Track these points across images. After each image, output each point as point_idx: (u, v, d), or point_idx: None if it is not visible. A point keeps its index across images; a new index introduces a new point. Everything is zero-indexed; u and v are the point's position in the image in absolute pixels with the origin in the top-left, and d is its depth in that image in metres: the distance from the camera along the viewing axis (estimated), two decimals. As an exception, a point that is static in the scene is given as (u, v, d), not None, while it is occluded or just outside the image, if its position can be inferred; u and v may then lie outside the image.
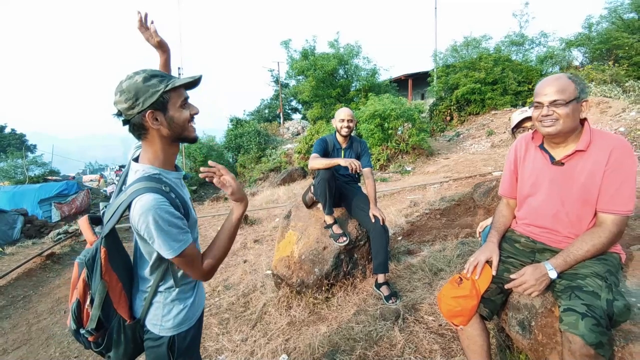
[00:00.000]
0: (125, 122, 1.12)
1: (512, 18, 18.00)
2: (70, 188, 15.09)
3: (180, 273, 1.24)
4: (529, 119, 2.36)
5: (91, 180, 29.49)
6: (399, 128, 10.89)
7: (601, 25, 15.49)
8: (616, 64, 13.01)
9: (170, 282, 1.23)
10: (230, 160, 21.63)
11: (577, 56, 16.55)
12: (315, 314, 2.75)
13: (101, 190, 19.91)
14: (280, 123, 27.82)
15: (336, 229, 2.95)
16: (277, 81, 31.02)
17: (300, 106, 31.54)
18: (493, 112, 14.23)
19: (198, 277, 1.20)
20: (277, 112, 30.90)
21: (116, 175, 31.30)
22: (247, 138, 19.78)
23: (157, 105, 1.08)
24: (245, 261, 4.43)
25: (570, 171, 1.52)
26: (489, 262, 1.61)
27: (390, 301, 2.66)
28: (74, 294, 1.16)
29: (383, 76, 19.41)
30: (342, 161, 2.72)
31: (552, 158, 1.56)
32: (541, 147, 1.59)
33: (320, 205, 3.20)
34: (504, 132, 11.13)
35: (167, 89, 1.09)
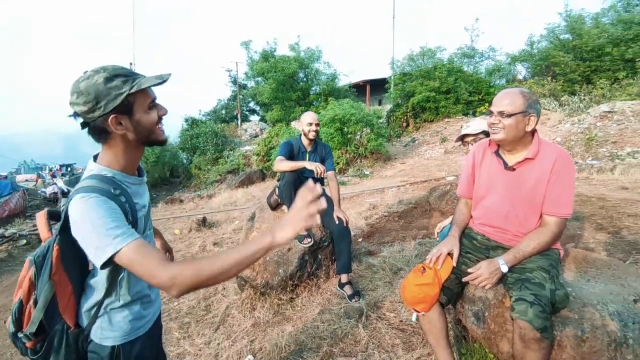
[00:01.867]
0: (84, 125, 1.02)
1: (464, 32, 19.12)
2: (3, 188, 13.81)
3: (131, 282, 1.12)
4: (468, 135, 2.53)
5: (27, 181, 27.02)
6: (358, 133, 11.16)
7: (541, 44, 16.89)
8: (554, 80, 14.21)
9: (122, 291, 1.10)
10: (185, 161, 20.93)
11: (521, 70, 17.94)
12: (280, 315, 2.78)
13: (39, 192, 18.32)
14: (237, 124, 27.38)
15: (301, 231, 3.00)
16: (235, 82, 30.51)
17: (258, 108, 31.24)
18: (446, 119, 14.97)
19: (159, 284, 0.90)
20: (235, 113, 30.39)
21: (53, 176, 28.95)
22: (203, 139, 19.26)
23: (121, 109, 0.99)
24: (205, 264, 4.35)
25: (520, 176, 1.69)
26: (450, 254, 1.74)
27: (354, 300, 2.75)
28: (17, 293, 1.07)
29: (342, 81, 19.80)
30: (308, 164, 2.78)
31: (505, 164, 1.72)
32: (496, 153, 1.76)
33: (284, 207, 3.24)
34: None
35: (132, 91, 0.98)
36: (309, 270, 3.02)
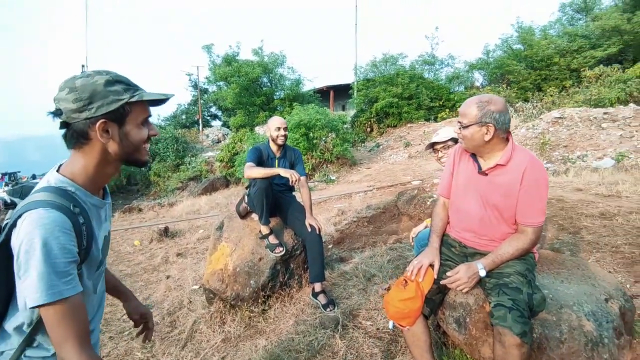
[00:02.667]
0: (63, 125, 0.92)
1: (425, 40, 19.81)
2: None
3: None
4: (437, 143, 2.55)
5: (-41, 191, 24.68)
6: (324, 138, 11.16)
7: (496, 53, 17.82)
8: (508, 87, 15.00)
9: (46, 346, 0.91)
10: (143, 168, 20.08)
11: (478, 78, 18.79)
12: (252, 328, 2.65)
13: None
14: (199, 130, 26.65)
15: (272, 239, 2.89)
16: (195, 86, 29.73)
17: (220, 113, 30.62)
18: (409, 125, 15.36)
19: (60, 356, 0.81)
20: (196, 119, 29.58)
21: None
22: (163, 145, 18.53)
23: (113, 116, 0.91)
24: (168, 277, 4.11)
25: (492, 182, 1.68)
26: (431, 265, 1.71)
27: (328, 309, 2.67)
28: None
29: (307, 86, 19.81)
30: (282, 171, 2.68)
31: (479, 167, 1.72)
32: (473, 156, 1.75)
33: (254, 215, 3.11)
34: (420, 144, 12.06)
35: (133, 100, 0.92)
36: (281, 280, 2.91)
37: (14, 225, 0.84)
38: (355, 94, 17.63)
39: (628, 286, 2.39)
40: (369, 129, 16.67)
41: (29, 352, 0.91)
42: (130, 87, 0.94)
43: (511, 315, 1.41)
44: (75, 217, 0.88)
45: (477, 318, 1.69)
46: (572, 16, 19.70)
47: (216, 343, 2.56)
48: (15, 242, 0.81)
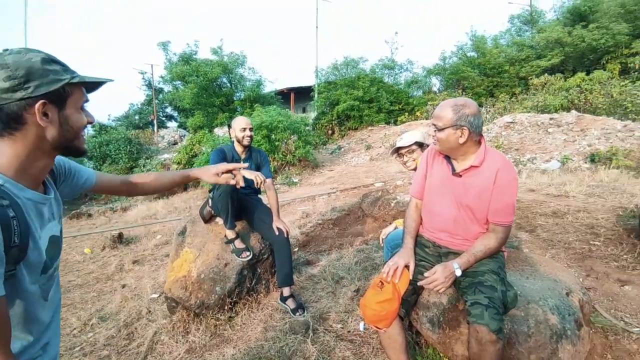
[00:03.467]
0: None
1: (385, 44, 20.27)
2: None
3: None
4: (402, 147, 2.57)
5: None
6: (285, 140, 11.07)
7: (452, 59, 18.55)
8: (464, 92, 15.70)
9: None
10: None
11: (435, 83, 19.49)
12: (219, 337, 2.53)
13: None
14: (154, 131, 25.58)
15: (238, 244, 2.79)
16: (150, 85, 28.51)
17: (176, 114, 29.58)
18: (370, 128, 15.62)
19: None
20: (150, 119, 28.40)
21: None
22: (115, 146, 17.55)
23: (53, 97, 0.82)
24: (124, 286, 3.86)
25: (466, 183, 1.72)
26: (406, 266, 1.71)
27: (298, 313, 2.61)
28: None
29: (268, 88, 19.59)
30: (247, 173, 2.59)
31: (453, 169, 1.74)
32: (446, 158, 1.77)
33: (218, 220, 2.99)
34: (380, 147, 12.28)
35: (74, 81, 0.84)
36: (248, 285, 2.81)
37: None
38: (316, 96, 17.68)
39: (581, 280, 2.54)
40: (330, 132, 16.78)
41: None
42: (67, 68, 0.87)
43: (488, 312, 1.44)
44: (3, 209, 0.77)
45: (451, 317, 1.71)
46: (520, 27, 21.01)
47: (180, 354, 2.42)
48: None
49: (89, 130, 20.48)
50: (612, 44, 14.11)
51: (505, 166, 1.67)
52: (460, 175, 1.73)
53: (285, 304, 2.71)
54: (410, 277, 1.69)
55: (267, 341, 2.36)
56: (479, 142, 1.72)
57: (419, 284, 1.68)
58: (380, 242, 2.54)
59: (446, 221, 1.78)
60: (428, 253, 1.82)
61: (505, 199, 1.66)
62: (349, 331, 2.39)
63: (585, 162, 7.31)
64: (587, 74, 12.59)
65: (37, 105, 0.80)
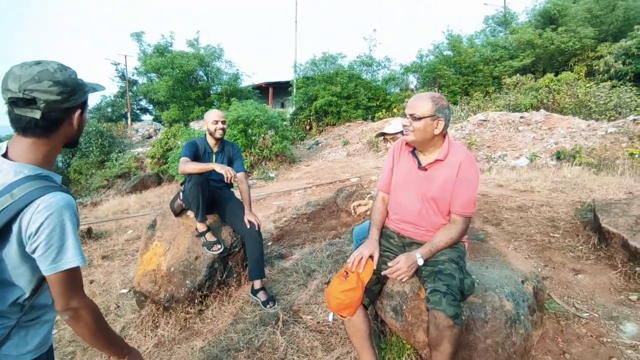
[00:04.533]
0: (20, 113, 0.98)
1: (363, 41, 20.35)
2: None
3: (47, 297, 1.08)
4: (387, 133, 2.68)
5: None
6: (263, 135, 11.00)
7: (429, 57, 18.82)
8: (440, 90, 15.99)
9: (44, 307, 1.09)
10: (61, 164, 18.13)
11: (413, 81, 19.75)
12: (188, 330, 2.53)
13: None
14: (127, 124, 24.88)
15: (209, 237, 2.78)
16: (123, 77, 27.66)
17: (151, 107, 28.85)
18: (347, 123, 15.71)
19: (71, 305, 1.02)
20: (124, 112, 27.58)
21: None
22: (85, 139, 16.93)
23: (83, 104, 1.08)
24: (92, 282, 3.77)
25: (431, 176, 1.78)
26: (371, 257, 1.75)
27: (268, 306, 2.63)
28: None
29: (245, 82, 19.39)
30: (217, 167, 2.59)
31: (419, 163, 1.80)
32: (412, 152, 1.83)
33: (190, 213, 2.97)
34: (358, 143, 12.39)
35: (90, 92, 1.09)
36: (219, 278, 2.81)
37: (22, 211, 0.93)
38: (295, 91, 17.63)
39: (539, 270, 2.67)
40: (308, 127, 16.79)
41: (23, 318, 1.04)
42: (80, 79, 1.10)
43: (445, 299, 1.50)
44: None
45: (413, 305, 1.77)
46: (494, 28, 21.56)
47: (148, 348, 2.40)
48: (28, 227, 0.93)
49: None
50: (579, 46, 14.68)
51: (468, 159, 1.75)
52: (426, 169, 1.79)
53: (256, 296, 2.73)
54: (375, 267, 1.74)
55: (237, 333, 2.37)
56: (444, 137, 1.78)
57: (382, 273, 1.74)
58: (353, 210, 2.64)
59: (411, 213, 1.84)
60: (392, 244, 1.87)
61: (467, 191, 1.73)
62: (318, 322, 2.43)
63: (552, 160, 7.61)
64: (556, 75, 13.06)
65: (77, 112, 1.06)
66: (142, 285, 2.64)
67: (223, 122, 2.93)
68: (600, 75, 13.03)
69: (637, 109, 10.12)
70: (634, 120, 7.97)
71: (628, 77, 12.66)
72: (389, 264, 1.72)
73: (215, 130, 2.90)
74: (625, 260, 2.54)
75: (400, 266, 1.68)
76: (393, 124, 2.64)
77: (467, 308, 1.71)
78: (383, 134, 2.71)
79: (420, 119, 1.69)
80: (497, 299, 1.74)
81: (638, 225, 2.61)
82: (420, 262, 1.69)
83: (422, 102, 1.71)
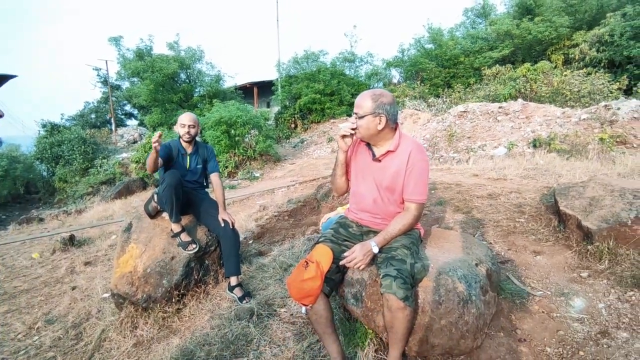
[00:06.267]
0: None
1: (344, 37, 20.39)
2: None
3: None
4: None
5: None
6: (246, 135, 11.03)
7: (411, 51, 18.99)
8: (422, 84, 16.17)
9: None
10: (45, 173, 17.88)
11: (395, 75, 19.90)
12: (167, 328, 2.60)
13: None
14: (112, 130, 24.62)
15: (184, 237, 2.85)
16: (105, 82, 27.30)
17: (136, 111, 28.56)
18: (332, 120, 15.82)
19: None
20: (108, 118, 27.28)
21: None
22: (68, 147, 16.75)
23: None
24: (74, 288, 3.81)
25: (384, 166, 1.89)
26: (329, 247, 1.84)
27: (244, 301, 2.72)
28: None
29: (228, 83, 19.33)
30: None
31: (373, 155, 1.90)
32: (368, 145, 1.93)
33: (165, 215, 3.03)
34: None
35: None
36: (196, 277, 2.89)
37: None
38: (279, 90, 17.66)
39: (502, 253, 2.79)
40: (293, 125, 16.84)
41: None
42: None
43: (396, 282, 1.61)
44: None
45: (372, 291, 1.87)
46: (473, 20, 21.81)
47: (127, 349, 2.47)
48: None
49: (39, 132, 19.43)
50: (555, 36, 14.96)
51: (417, 148, 1.85)
52: (380, 160, 1.90)
53: (232, 293, 2.81)
54: (333, 256, 1.84)
55: (213, 329, 2.45)
56: (395, 129, 1.88)
57: (340, 263, 1.83)
58: (319, 225, 2.69)
59: (367, 202, 1.94)
60: (351, 233, 1.97)
61: (418, 178, 1.83)
62: (291, 314, 2.52)
63: (529, 148, 7.80)
64: (535, 65, 13.31)
65: None
66: (119, 288, 2.70)
67: (190, 127, 2.98)
68: (577, 63, 13.33)
69: (610, 94, 10.42)
70: (606, 106, 8.19)
71: (602, 64, 13.00)
72: (346, 253, 1.82)
73: (183, 134, 2.97)
74: (579, 240, 2.68)
75: (356, 255, 1.77)
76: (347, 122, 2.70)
77: (422, 291, 1.81)
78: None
79: (362, 117, 1.80)
80: (450, 282, 1.85)
81: (591, 206, 2.75)
82: (375, 249, 1.79)
83: (363, 101, 1.82)
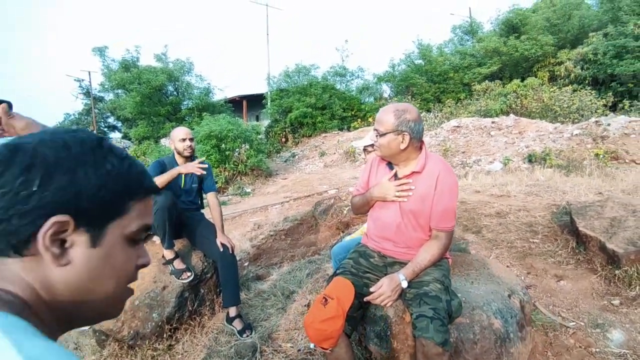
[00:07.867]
0: None
1: (336, 52, 20.49)
2: None
3: None
4: (369, 145, 2.58)
5: None
6: (237, 149, 10.78)
7: (401, 67, 19.18)
8: (413, 98, 16.27)
9: None
10: None
11: (386, 90, 20.04)
12: (157, 369, 2.32)
13: None
14: (95, 143, 23.93)
15: (178, 264, 2.59)
16: (88, 93, 26.71)
17: (120, 124, 28.01)
18: (323, 134, 15.68)
19: None
20: (90, 130, 26.59)
21: None
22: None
23: None
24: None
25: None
26: (351, 282, 1.62)
27: (245, 335, 2.46)
28: None
29: (218, 96, 19.09)
30: (182, 169, 2.50)
31: (396, 176, 1.71)
32: (389, 164, 1.74)
33: (155, 239, 2.77)
34: (334, 153, 12.34)
35: None
36: (190, 308, 2.62)
37: None
38: (269, 103, 17.51)
39: (522, 278, 2.61)
40: (284, 139, 16.65)
41: None
42: None
43: (433, 325, 1.40)
44: None
45: (398, 330, 1.66)
46: (461, 37, 22.28)
47: (111, 392, 2.18)
48: None
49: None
50: (540, 53, 15.33)
51: (446, 171, 1.67)
52: None
53: (231, 325, 2.54)
54: (355, 292, 1.62)
55: (211, 369, 2.18)
56: (420, 148, 1.70)
57: (365, 299, 1.61)
58: (321, 246, 2.48)
59: (389, 228, 1.74)
60: (373, 264, 1.76)
61: (446, 204, 1.65)
62: (299, 350, 2.27)
63: (524, 163, 7.76)
64: (522, 81, 13.53)
65: None
66: (102, 323, 2.42)
67: (191, 140, 2.78)
68: (562, 80, 13.59)
69: (597, 111, 10.58)
70: (596, 122, 8.27)
71: (587, 81, 13.28)
72: (372, 289, 1.60)
73: (184, 149, 2.74)
74: (604, 263, 2.52)
75: (384, 290, 1.56)
76: (369, 135, 2.54)
77: (454, 329, 1.61)
78: (365, 148, 2.60)
79: (384, 134, 1.62)
80: (485, 318, 1.65)
81: (613, 227, 2.61)
82: (405, 284, 1.58)
83: (384, 117, 1.64)
